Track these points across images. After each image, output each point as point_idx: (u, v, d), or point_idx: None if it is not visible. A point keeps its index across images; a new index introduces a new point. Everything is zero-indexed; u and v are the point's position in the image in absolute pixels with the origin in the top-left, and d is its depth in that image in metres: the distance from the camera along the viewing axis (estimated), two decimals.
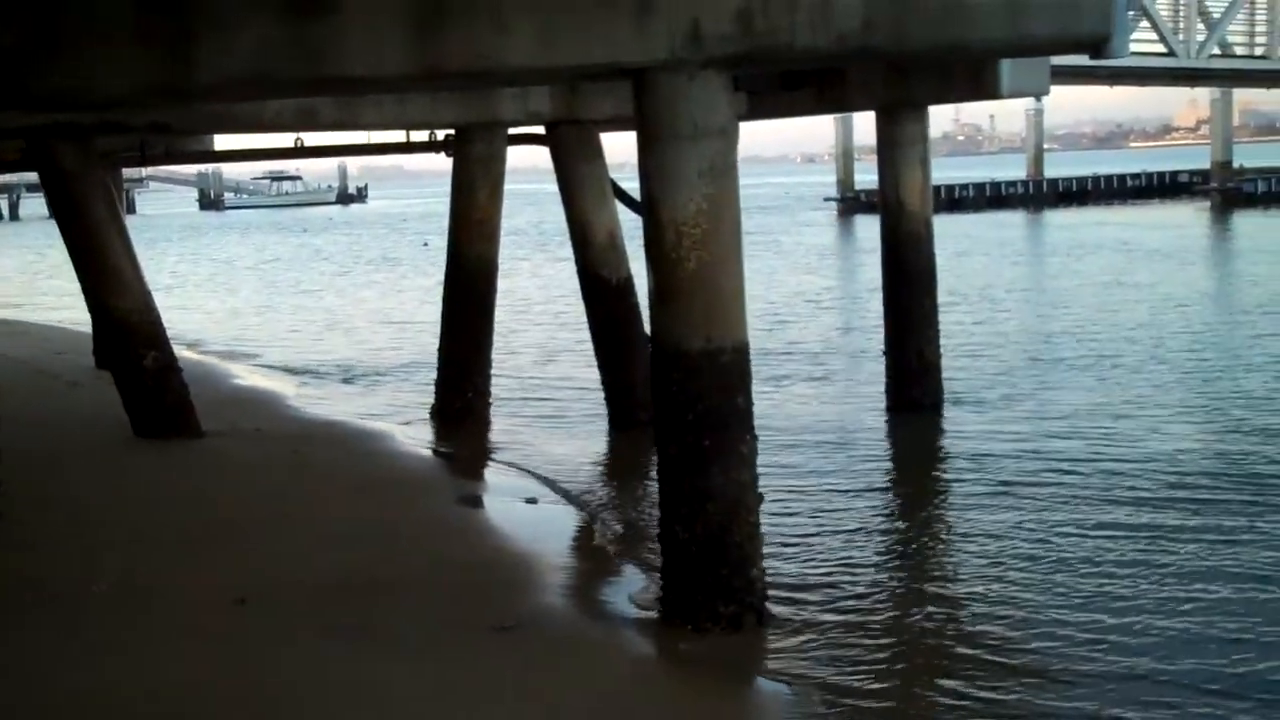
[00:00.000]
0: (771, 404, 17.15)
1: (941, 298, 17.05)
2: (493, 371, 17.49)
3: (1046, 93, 16.37)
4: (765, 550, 9.40)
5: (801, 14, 8.44)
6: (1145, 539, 11.00)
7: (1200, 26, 23.33)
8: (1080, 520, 11.61)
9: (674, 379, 8.93)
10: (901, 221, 16.63)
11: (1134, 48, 22.64)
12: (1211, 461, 13.57)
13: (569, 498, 13.32)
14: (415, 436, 16.34)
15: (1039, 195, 76.34)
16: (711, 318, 8.86)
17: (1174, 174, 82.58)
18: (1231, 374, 18.56)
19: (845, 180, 73.25)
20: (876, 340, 17.78)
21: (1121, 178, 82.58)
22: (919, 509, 12.61)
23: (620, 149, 17.49)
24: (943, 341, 16.84)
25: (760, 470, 9.25)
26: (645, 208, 8.97)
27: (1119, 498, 12.31)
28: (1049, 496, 12.44)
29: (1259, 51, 24.48)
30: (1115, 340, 21.96)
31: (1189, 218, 58.98)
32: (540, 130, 17.04)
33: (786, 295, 31.32)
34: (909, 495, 13.27)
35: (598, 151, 16.67)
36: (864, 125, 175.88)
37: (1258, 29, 24.39)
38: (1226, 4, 23.67)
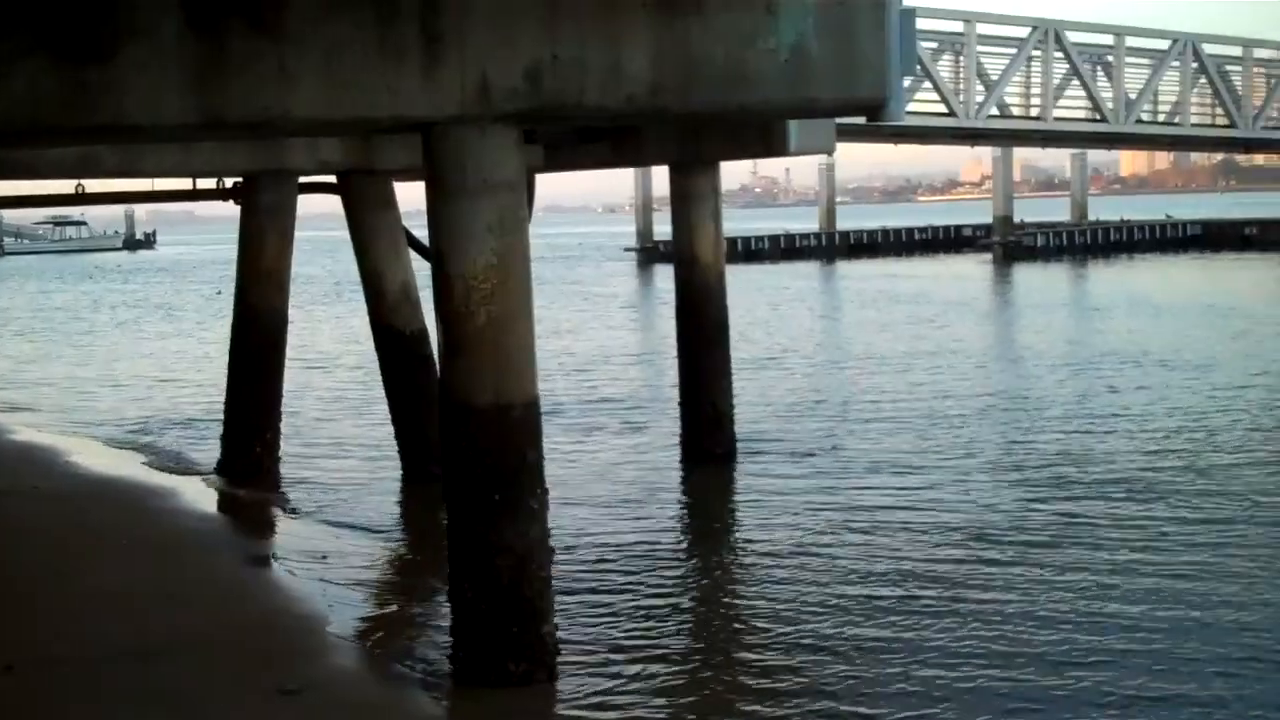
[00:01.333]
0: (566, 456, 17.17)
1: (739, 349, 17.34)
2: (282, 426, 17.07)
3: (833, 151, 16.88)
4: (557, 605, 9.37)
5: (592, 74, 8.54)
6: (938, 588, 11.23)
7: (980, 89, 24.28)
8: (870, 571, 11.81)
9: (463, 434, 8.86)
10: (695, 274, 16.89)
11: (917, 108, 23.56)
12: (1003, 513, 13.95)
13: (360, 554, 13.07)
14: (201, 493, 15.86)
15: (831, 247, 78.55)
16: (502, 373, 8.83)
17: (959, 228, 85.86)
18: (1019, 424, 19.20)
19: (645, 231, 74.19)
20: (674, 391, 17.96)
21: (910, 231, 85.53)
22: (710, 562, 12.71)
23: (414, 197, 17.39)
24: (741, 392, 17.10)
25: (552, 525, 9.22)
26: (434, 262, 8.92)
27: (908, 550, 12.49)
28: (841, 548, 12.62)
29: (1034, 113, 25.59)
30: (909, 391, 22.59)
31: (973, 270, 61.29)
32: (332, 179, 16.81)
33: (585, 345, 31.49)
34: (701, 548, 13.36)
35: (391, 201, 16.51)
36: (663, 176, 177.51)
37: (1033, 92, 25.49)
38: (1004, 67, 24.71)
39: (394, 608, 11.37)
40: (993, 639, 9.85)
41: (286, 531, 14.24)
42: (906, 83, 22.70)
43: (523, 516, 8.90)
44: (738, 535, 13.64)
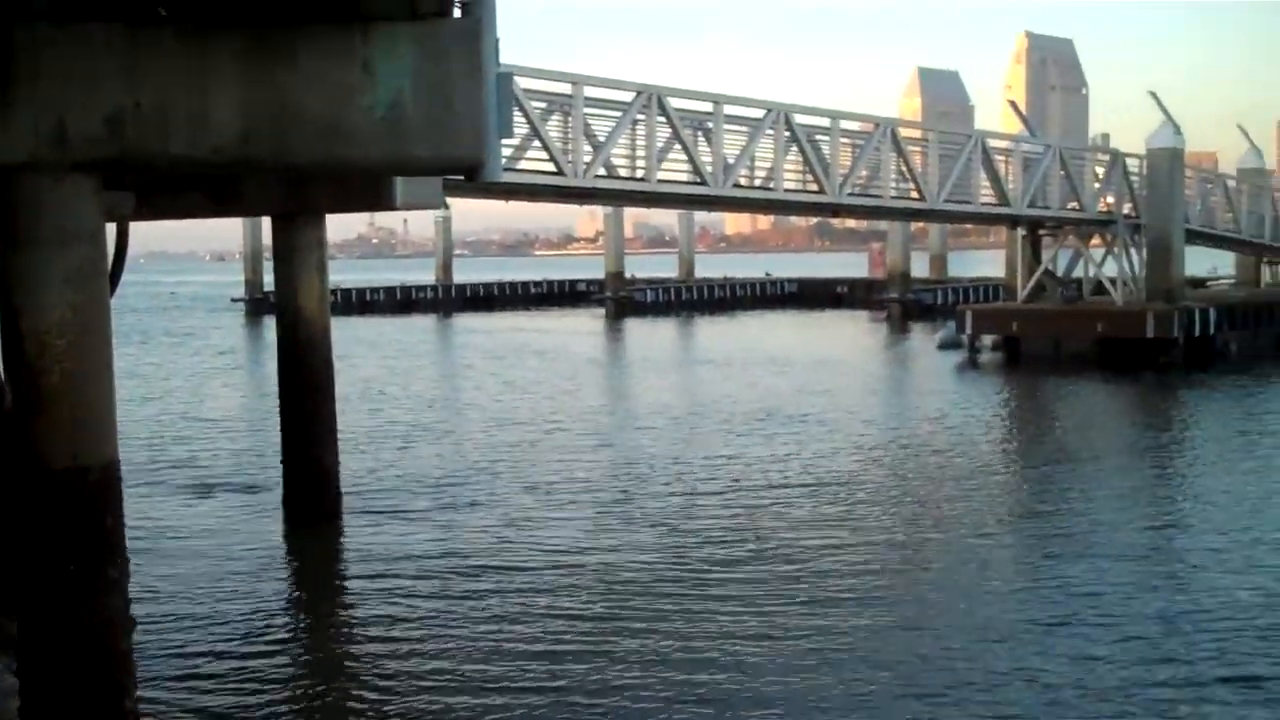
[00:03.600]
0: (161, 521, 16.41)
1: (347, 403, 17.03)
2: None
3: (439, 205, 16.93)
4: (141, 678, 8.89)
5: (177, 123, 8.24)
6: (548, 645, 11.31)
7: (588, 149, 24.84)
8: (473, 635, 11.72)
9: (37, 499, 8.31)
10: (299, 327, 16.52)
11: (528, 165, 23.87)
12: (622, 566, 14.23)
13: None
14: None
15: (448, 300, 78.74)
16: (79, 433, 8.34)
17: (574, 282, 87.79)
18: (637, 479, 19.62)
19: (254, 280, 72.17)
20: (277, 447, 17.46)
21: (525, 284, 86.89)
22: (311, 624, 12.41)
23: None
24: (349, 448, 16.78)
25: (140, 593, 8.75)
26: (3, 317, 8.35)
27: (516, 610, 12.52)
28: (445, 609, 12.51)
29: (640, 174, 26.35)
30: (521, 446, 22.75)
31: (587, 324, 62.71)
32: None
33: (184, 402, 30.30)
34: (301, 611, 13.03)
35: None
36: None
37: (638, 154, 26.27)
38: (611, 130, 25.40)
39: None
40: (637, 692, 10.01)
41: None
42: (516, 141, 23.24)
43: (101, 587, 8.41)
44: (341, 599, 13.34)
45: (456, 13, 8.95)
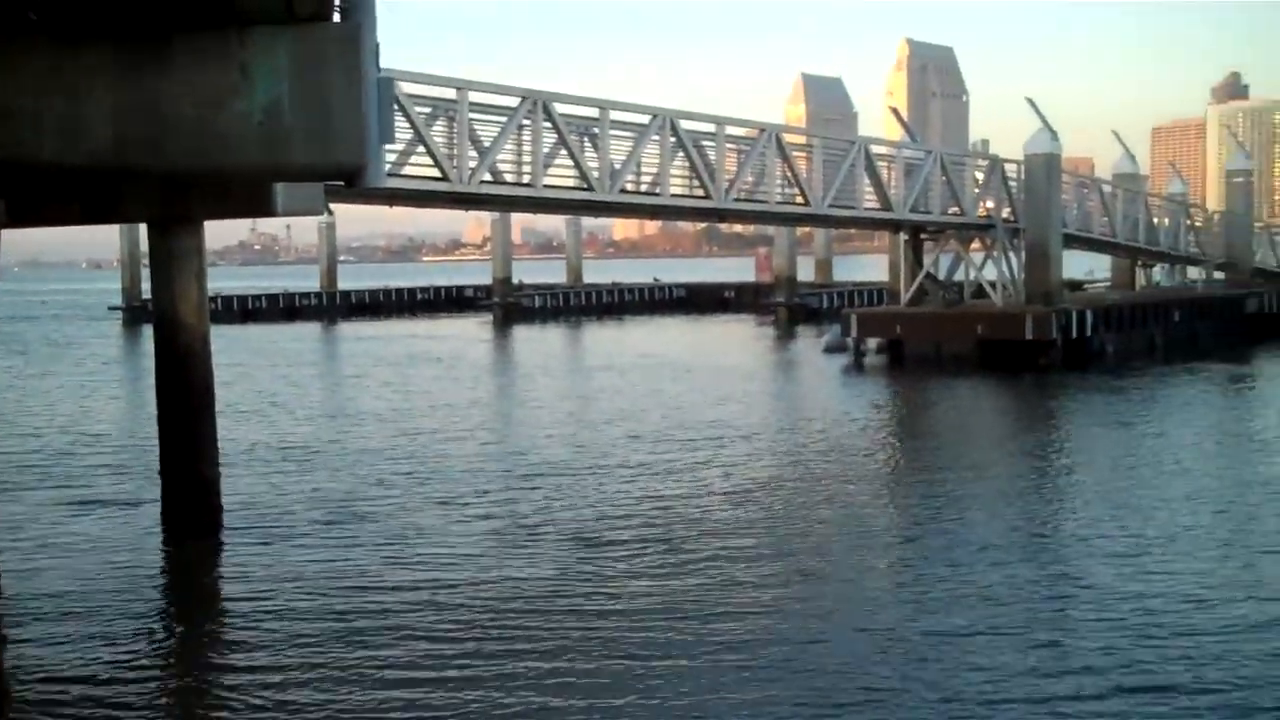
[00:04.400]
0: (32, 535, 15.98)
1: (230, 414, 16.67)
2: None
3: (322, 212, 16.71)
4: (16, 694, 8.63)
5: (49, 129, 8.04)
6: (435, 667, 11.17)
7: (474, 155, 24.70)
8: (356, 657, 11.46)
9: None
10: (177, 336, 16.16)
11: (412, 171, 23.67)
12: (510, 580, 14.13)
13: None
14: None
15: (333, 307, 77.93)
16: None
17: (460, 288, 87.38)
18: (533, 489, 19.46)
19: (131, 289, 70.67)
20: (155, 459, 17.07)
21: (412, 291, 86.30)
22: (186, 641, 12.11)
23: None
24: (235, 460, 16.40)
25: (11, 611, 8.48)
26: None
27: (405, 628, 12.25)
28: (327, 628, 12.22)
29: (526, 179, 26.26)
30: (416, 456, 22.46)
31: (475, 331, 62.35)
32: None
33: (63, 414, 29.57)
34: (176, 628, 12.70)
35: None
36: None
37: (524, 160, 26.18)
38: (496, 135, 25.29)
39: None
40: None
41: None
42: (400, 146, 23.04)
43: None
44: (218, 616, 13.02)
45: (336, 17, 8.85)
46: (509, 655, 11.07)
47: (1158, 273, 52.35)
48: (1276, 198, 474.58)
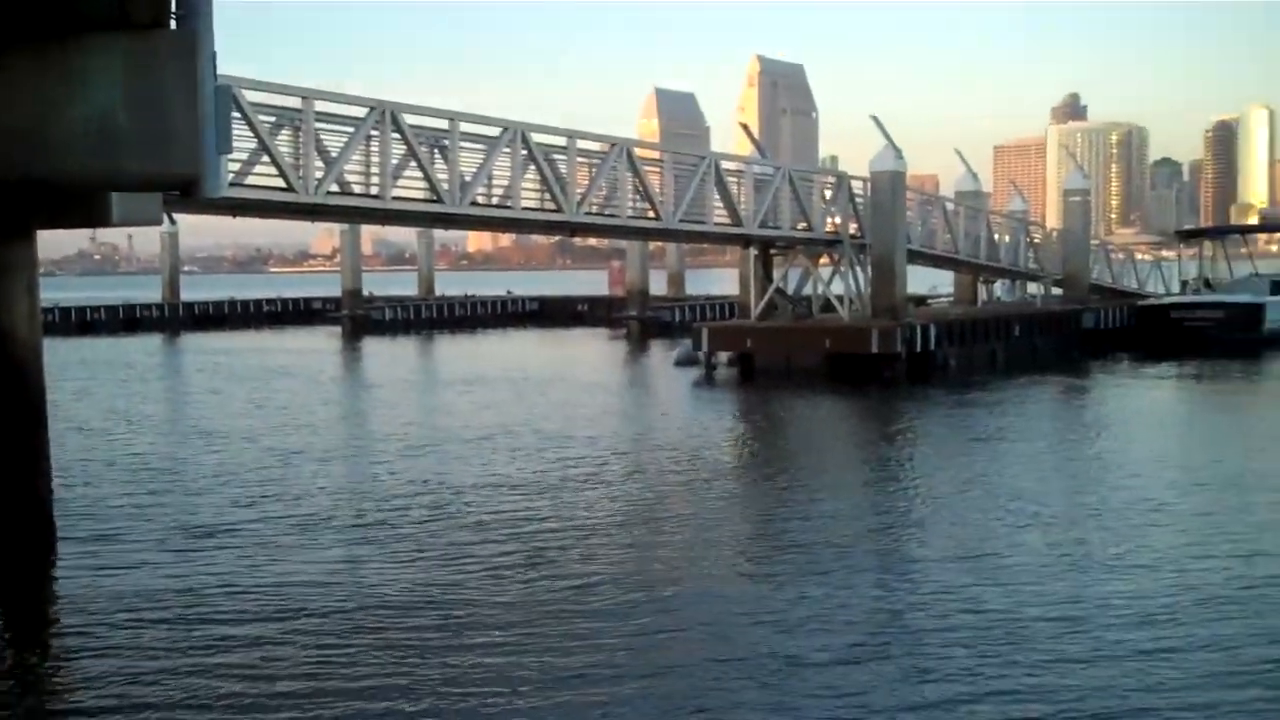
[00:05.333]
0: None
1: (66, 428, 16.14)
2: None
3: (160, 222, 16.26)
4: None
5: None
6: (276, 691, 10.93)
7: (321, 165, 24.34)
8: (194, 684, 11.11)
9: None
10: (7, 349, 15.56)
11: (256, 181, 23.23)
12: (370, 598, 13.90)
13: None
14: None
15: (175, 319, 76.22)
16: None
17: (309, 300, 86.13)
18: (383, 502, 19.24)
19: None
20: None
21: (259, 303, 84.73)
22: (20, 662, 11.70)
23: None
24: (75, 477, 15.86)
25: None
26: None
27: (246, 650, 11.96)
28: (163, 650, 11.86)
29: (374, 191, 25.95)
30: (266, 470, 22.01)
31: (324, 343, 61.46)
32: None
33: None
34: (9, 648, 12.28)
35: None
36: None
37: (373, 171, 25.88)
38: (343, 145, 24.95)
39: None
40: None
41: None
42: (245, 155, 22.60)
43: None
44: (46, 638, 12.59)
45: (173, 24, 8.64)
46: (357, 676, 10.91)
47: (999, 288, 53.69)
48: (1113, 215, 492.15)
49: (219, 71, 9.53)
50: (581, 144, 31.69)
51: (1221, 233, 61.52)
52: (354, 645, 11.72)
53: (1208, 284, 53.02)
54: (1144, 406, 31.12)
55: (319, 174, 24.07)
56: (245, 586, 13.99)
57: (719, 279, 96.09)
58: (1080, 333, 47.55)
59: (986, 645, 11.47)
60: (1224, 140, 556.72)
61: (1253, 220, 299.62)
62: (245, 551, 15.72)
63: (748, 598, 13.40)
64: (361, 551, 15.69)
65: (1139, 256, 64.19)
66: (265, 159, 22.87)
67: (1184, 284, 54.31)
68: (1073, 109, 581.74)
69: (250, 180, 23.08)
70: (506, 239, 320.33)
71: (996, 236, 49.87)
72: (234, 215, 25.66)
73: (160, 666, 11.21)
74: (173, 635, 12.16)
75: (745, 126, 50.53)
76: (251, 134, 22.25)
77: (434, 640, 11.84)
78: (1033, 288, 53.27)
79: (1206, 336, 46.50)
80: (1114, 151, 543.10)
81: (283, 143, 23.38)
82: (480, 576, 14.34)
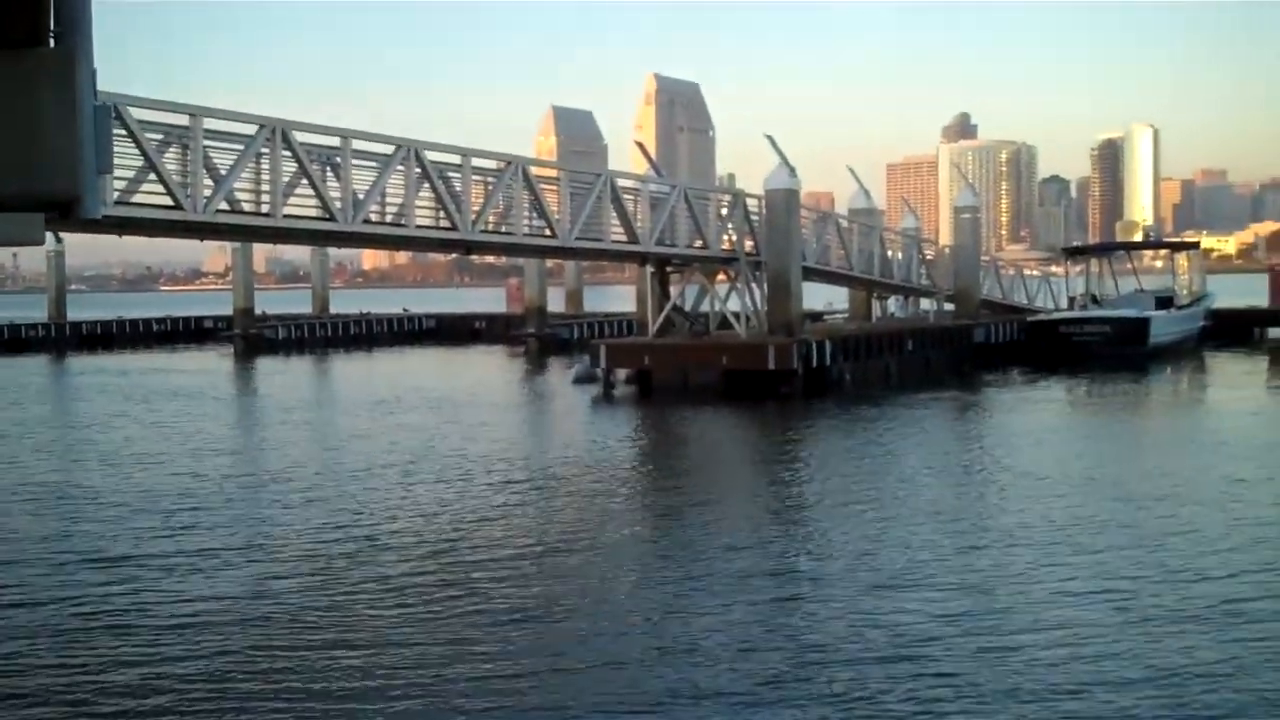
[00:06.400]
0: None
1: None
2: None
3: (42, 241, 15.80)
4: None
5: None
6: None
7: (210, 182, 23.99)
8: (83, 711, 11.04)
9: None
10: None
11: (143, 199, 22.82)
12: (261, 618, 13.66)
13: None
14: None
15: (62, 339, 74.60)
16: None
17: (200, 319, 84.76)
18: (276, 525, 18.94)
19: None
20: None
21: (148, 322, 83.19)
22: None
23: None
24: None
25: None
26: None
27: (134, 676, 11.87)
28: (50, 675, 11.73)
29: (265, 209, 25.62)
30: (156, 493, 21.58)
31: (215, 363, 60.52)
32: None
33: None
34: None
35: None
36: None
37: (264, 189, 25.55)
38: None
39: None
40: None
41: None
42: (131, 173, 22.20)
43: None
44: None
45: (51, 42, 8.44)
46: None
47: (892, 304, 54.36)
48: (1003, 232, 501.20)
49: (102, 88, 9.35)
50: (477, 162, 31.57)
51: (1107, 249, 62.94)
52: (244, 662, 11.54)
53: (1095, 300, 54.19)
54: (1031, 419, 31.66)
55: (208, 192, 23.71)
56: (130, 608, 13.72)
57: (618, 296, 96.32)
58: (972, 347, 48.29)
59: (868, 654, 11.58)
60: (1110, 158, 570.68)
61: (1138, 237, 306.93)
62: (133, 572, 15.42)
63: (638, 607, 13.41)
64: (252, 574, 15.46)
65: (1028, 272, 65.34)
66: (153, 177, 22.48)
67: (1072, 300, 55.40)
68: (963, 128, 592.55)
69: (137, 198, 22.68)
70: (403, 256, 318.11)
71: (890, 253, 50.54)
72: (120, 234, 25.16)
73: (41, 682, 10.94)
74: (56, 656, 11.88)
75: (641, 145, 50.85)
76: (138, 152, 21.86)
77: (331, 658, 11.69)
78: (925, 303, 53.98)
79: (1094, 351, 47.49)
80: (1004, 169, 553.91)
81: (170, 160, 23.00)
82: (362, 595, 14.19)
